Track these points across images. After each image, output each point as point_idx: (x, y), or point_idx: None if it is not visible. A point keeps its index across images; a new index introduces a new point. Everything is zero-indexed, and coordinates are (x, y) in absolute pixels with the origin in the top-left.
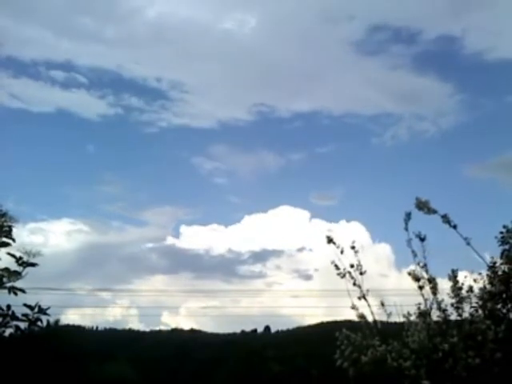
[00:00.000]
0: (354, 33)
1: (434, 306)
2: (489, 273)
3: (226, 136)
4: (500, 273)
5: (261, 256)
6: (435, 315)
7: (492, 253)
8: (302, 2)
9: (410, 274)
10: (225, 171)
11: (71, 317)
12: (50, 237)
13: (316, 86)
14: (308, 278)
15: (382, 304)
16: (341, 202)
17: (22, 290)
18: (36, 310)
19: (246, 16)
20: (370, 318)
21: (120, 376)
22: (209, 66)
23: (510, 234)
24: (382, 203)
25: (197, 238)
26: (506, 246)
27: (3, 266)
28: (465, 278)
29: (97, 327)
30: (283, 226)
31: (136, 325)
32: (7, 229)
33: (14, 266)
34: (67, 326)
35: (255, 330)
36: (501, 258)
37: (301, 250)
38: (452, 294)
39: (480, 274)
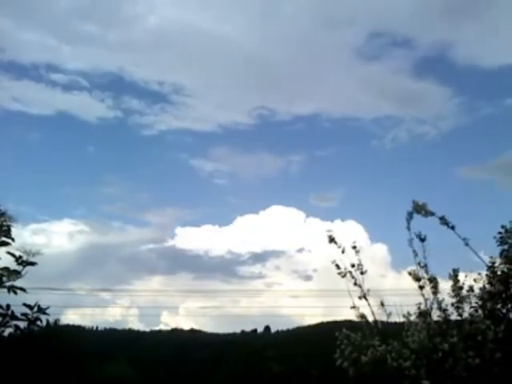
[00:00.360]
0: (355, 38)
1: (435, 305)
2: (488, 273)
3: (226, 139)
4: (499, 273)
5: (260, 256)
6: (435, 315)
7: (488, 253)
8: (302, 7)
9: (410, 273)
10: (225, 173)
11: (71, 317)
12: (51, 237)
13: (316, 90)
14: (308, 278)
15: (382, 304)
16: (340, 203)
17: (23, 289)
18: (35, 309)
19: (247, 20)
20: (370, 318)
21: (120, 376)
22: (210, 70)
23: (509, 234)
24: (381, 205)
25: (197, 238)
26: (505, 246)
27: (3, 266)
28: (465, 278)
29: (97, 327)
30: (283, 227)
31: (136, 325)
32: (6, 228)
33: (13, 266)
34: (67, 326)
35: (255, 330)
36: (500, 257)
37: (300, 250)
38: (452, 294)
39: (479, 274)
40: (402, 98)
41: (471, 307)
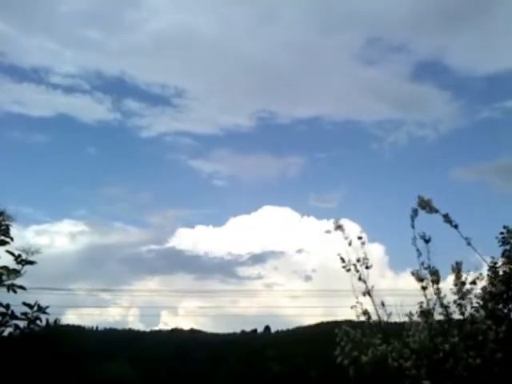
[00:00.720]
0: (354, 42)
1: (437, 304)
2: (490, 273)
3: (227, 141)
4: (501, 273)
5: (260, 257)
6: (437, 313)
7: (483, 254)
8: (302, 12)
9: (413, 273)
10: (225, 175)
11: (71, 317)
12: (52, 238)
13: (317, 93)
14: (307, 278)
15: (383, 304)
16: (339, 204)
17: (22, 287)
18: (35, 308)
19: (248, 25)
20: (373, 316)
21: (120, 376)
22: (211, 74)
23: (511, 234)
24: (380, 206)
25: (197, 239)
26: (507, 247)
27: (2, 264)
28: (467, 276)
29: (97, 327)
30: (282, 228)
31: (136, 325)
32: (5, 227)
33: (13, 265)
34: (67, 326)
35: (255, 330)
36: (502, 258)
37: (300, 251)
38: (455, 289)
39: (481, 274)
40: (402, 101)
41: (472, 307)
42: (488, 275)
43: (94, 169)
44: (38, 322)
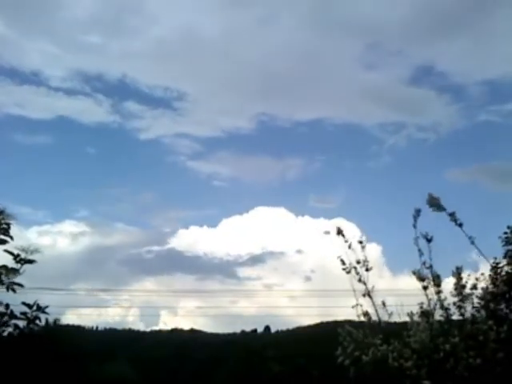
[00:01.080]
0: (353, 47)
1: (437, 305)
2: (492, 273)
3: (228, 143)
4: (503, 273)
5: (260, 257)
6: (438, 315)
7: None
8: (302, 16)
9: (414, 273)
10: (225, 176)
11: (71, 317)
12: (54, 239)
13: (317, 97)
14: (307, 278)
15: (384, 304)
16: (338, 205)
17: (20, 285)
18: (34, 308)
19: (249, 29)
20: (373, 317)
21: (120, 376)
22: (212, 77)
23: None
24: (378, 208)
25: (197, 240)
26: (510, 247)
27: (1, 264)
28: (468, 276)
29: (97, 327)
30: (282, 229)
31: (136, 325)
32: (5, 226)
33: (12, 264)
34: (67, 326)
35: (255, 330)
36: (504, 258)
37: (299, 251)
38: (455, 292)
39: (482, 274)
40: (401, 104)
41: (473, 307)
42: (490, 275)
43: (94, 170)
44: (38, 321)
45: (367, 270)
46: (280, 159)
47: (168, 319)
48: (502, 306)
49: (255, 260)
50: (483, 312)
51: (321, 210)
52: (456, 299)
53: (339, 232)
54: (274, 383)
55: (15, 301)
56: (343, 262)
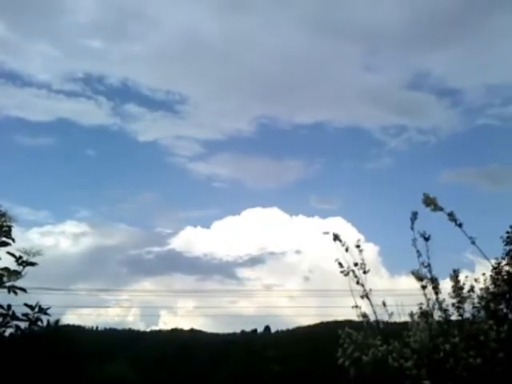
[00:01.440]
0: (353, 51)
1: (436, 306)
2: (493, 273)
3: (228, 145)
4: (504, 273)
5: (259, 258)
6: (437, 315)
7: (476, 254)
8: (303, 20)
9: (413, 273)
10: (225, 177)
11: (71, 317)
12: (55, 240)
13: (318, 100)
14: (306, 279)
15: (384, 304)
16: (337, 206)
17: (23, 289)
18: (36, 309)
19: (249, 32)
20: (371, 318)
21: (120, 376)
22: (213, 81)
23: None
24: (377, 208)
25: (197, 241)
26: (511, 247)
27: (3, 266)
28: (466, 278)
29: (97, 327)
30: (281, 230)
31: (136, 325)
32: (7, 229)
33: (13, 266)
34: (67, 326)
35: (255, 330)
36: (506, 258)
37: (298, 251)
38: (453, 295)
39: (483, 274)
40: (401, 108)
41: (474, 307)
42: (491, 275)
43: (95, 171)
44: (39, 322)
45: (365, 272)
46: (280, 161)
47: (168, 319)
48: (502, 305)
49: (255, 261)
50: (483, 312)
51: (320, 211)
52: (454, 300)
53: (336, 238)
54: (273, 383)
55: (16, 301)
56: (341, 265)
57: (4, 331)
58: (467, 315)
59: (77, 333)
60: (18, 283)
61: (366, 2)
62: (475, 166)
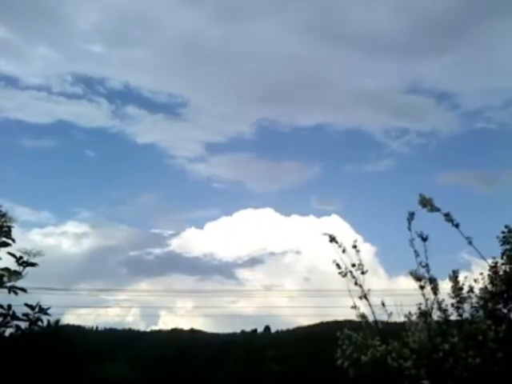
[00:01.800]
0: (353, 54)
1: (435, 306)
2: (490, 273)
3: (229, 147)
4: (501, 273)
5: (259, 258)
6: (436, 315)
7: (473, 254)
8: (304, 24)
9: (411, 273)
10: (225, 178)
11: (71, 317)
12: (55, 240)
13: (318, 104)
14: (306, 279)
15: (383, 304)
16: (338, 208)
17: (23, 289)
18: (37, 309)
19: (251, 37)
20: (370, 318)
21: (120, 376)
22: (214, 84)
23: None
24: (375, 209)
25: (197, 241)
26: (508, 246)
27: (3, 266)
28: (465, 279)
29: (97, 327)
30: (281, 230)
31: (136, 325)
32: (7, 229)
33: (14, 266)
34: (67, 326)
35: (255, 330)
36: (502, 257)
37: (298, 252)
38: (452, 295)
39: (481, 274)
40: (402, 111)
41: (472, 307)
42: (488, 275)
43: (96, 173)
44: (39, 322)
45: (362, 273)
46: (280, 163)
47: (168, 319)
48: (501, 305)
49: (254, 261)
50: (481, 312)
51: (320, 212)
52: (454, 301)
53: (332, 239)
54: (273, 383)
55: (17, 301)
56: (339, 266)
57: (4, 331)
58: (466, 315)
59: (77, 333)
60: (19, 283)
61: (364, 7)
62: (473, 168)
